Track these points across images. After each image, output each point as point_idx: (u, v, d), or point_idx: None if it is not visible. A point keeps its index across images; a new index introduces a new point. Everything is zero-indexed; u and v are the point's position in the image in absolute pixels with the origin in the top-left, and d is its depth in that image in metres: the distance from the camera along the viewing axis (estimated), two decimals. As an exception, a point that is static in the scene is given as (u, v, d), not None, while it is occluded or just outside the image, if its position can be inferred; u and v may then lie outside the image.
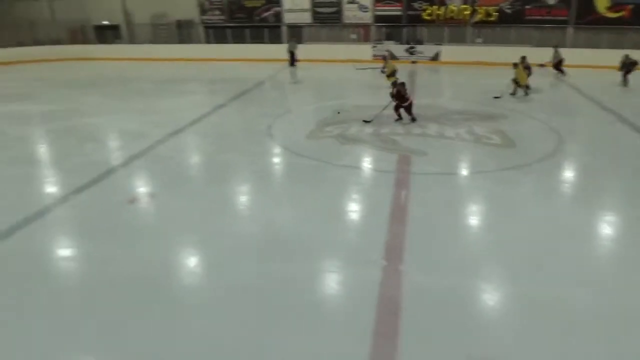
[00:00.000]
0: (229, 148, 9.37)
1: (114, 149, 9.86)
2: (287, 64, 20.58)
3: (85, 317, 4.39)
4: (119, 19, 24.54)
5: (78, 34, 25.38)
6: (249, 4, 22.99)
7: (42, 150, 10.12)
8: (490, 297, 4.59)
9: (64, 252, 5.80)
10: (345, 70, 18.29)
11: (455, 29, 21.95)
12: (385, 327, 4.06)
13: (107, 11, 24.52)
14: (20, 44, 23.76)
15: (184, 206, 6.75)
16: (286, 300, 4.51)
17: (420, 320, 4.15)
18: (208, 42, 23.66)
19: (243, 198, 7.29)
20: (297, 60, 20.44)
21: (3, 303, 4.61)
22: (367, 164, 8.44)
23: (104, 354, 3.90)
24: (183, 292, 4.78)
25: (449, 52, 21.68)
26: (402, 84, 10.79)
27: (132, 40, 24.70)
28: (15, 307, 4.55)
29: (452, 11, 21.52)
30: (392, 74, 14.73)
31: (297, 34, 22.72)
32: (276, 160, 8.97)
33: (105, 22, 24.82)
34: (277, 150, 9.36)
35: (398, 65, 15.92)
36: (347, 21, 22.52)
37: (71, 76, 19.53)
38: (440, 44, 22.04)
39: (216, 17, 23.54)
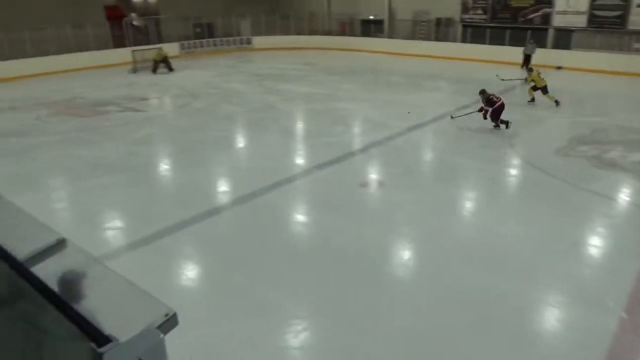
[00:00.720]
0: (464, 150, 9.15)
1: (357, 134, 10.69)
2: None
3: (307, 275, 4.97)
4: (383, 15, 26.19)
5: (346, 27, 28.09)
6: (515, 4, 21.62)
7: (300, 126, 11.67)
8: None
9: (300, 216, 6.64)
10: (615, 83, 15.74)
11: None
12: (609, 388, 3.46)
13: (375, 7, 26.35)
14: (299, 32, 27.64)
15: (409, 199, 6.92)
16: (499, 318, 4.25)
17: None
18: (464, 41, 23.31)
19: (468, 203, 7.06)
20: (529, 65, 18.64)
21: (249, 248, 5.57)
22: (624, 195, 7.15)
23: (319, 310, 4.37)
24: (395, 280, 4.96)
25: None
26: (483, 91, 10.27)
27: (391, 35, 26.07)
28: (256, 254, 5.45)
29: None
30: (541, 89, 12.35)
31: (566, 38, 20.48)
32: (513, 171, 8.37)
33: (371, 17, 26.77)
34: (516, 161, 8.71)
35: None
36: (632, 27, 19.18)
37: (333, 64, 21.77)
38: None
39: (477, 16, 22.95)
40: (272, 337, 4.07)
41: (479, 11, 22.91)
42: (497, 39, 22.02)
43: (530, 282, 4.77)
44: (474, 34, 22.95)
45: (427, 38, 24.60)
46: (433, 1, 24.08)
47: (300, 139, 10.45)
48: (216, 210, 6.57)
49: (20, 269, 1.00)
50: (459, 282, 4.80)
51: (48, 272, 0.99)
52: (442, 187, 7.36)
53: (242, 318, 4.28)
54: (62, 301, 0.87)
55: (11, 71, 18.04)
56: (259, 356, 3.84)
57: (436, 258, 5.28)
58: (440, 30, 24.25)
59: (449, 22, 23.94)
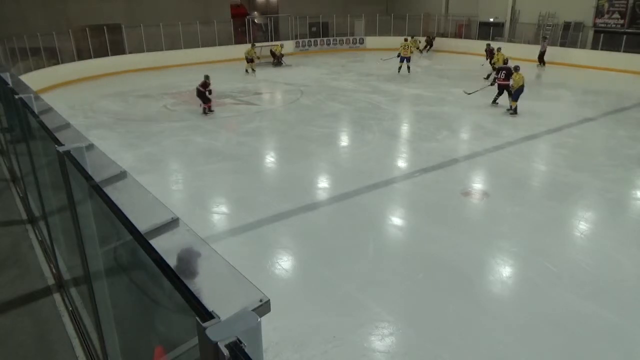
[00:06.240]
0: (582, 166, 8.40)
1: (464, 141, 10.28)
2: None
3: (396, 279, 4.92)
4: (505, 17, 24.79)
5: (462, 29, 26.99)
6: (661, 8, 19.31)
7: (404, 128, 11.51)
8: None
9: (396, 220, 6.56)
10: None
11: None
12: None
13: (497, 9, 25.03)
14: (413, 34, 27.04)
15: (514, 213, 6.53)
16: (602, 356, 3.87)
17: None
18: (595, 48, 21.25)
19: (582, 224, 6.39)
20: None
21: (342, 245, 5.65)
22: None
23: (406, 316, 4.31)
24: (488, 296, 4.73)
25: None
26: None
27: (511, 39, 24.59)
28: (348, 252, 5.50)
29: None
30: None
31: None
32: (640, 194, 7.51)
33: (491, 19, 25.46)
34: (647, 184, 7.81)
35: None
36: None
37: (445, 67, 21.09)
38: None
39: (613, 20, 20.82)
40: (357, 336, 4.09)
41: (616, 15, 20.78)
42: (634, 47, 19.80)
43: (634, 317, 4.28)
44: (608, 40, 20.81)
45: (551, 43, 22.85)
46: (562, 3, 22.31)
47: (403, 141, 10.31)
48: (314, 206, 6.74)
49: (141, 242, 1.13)
50: (559, 307, 4.44)
51: (161, 247, 1.09)
52: (554, 204, 6.83)
53: (329, 313, 4.36)
54: (175, 275, 0.96)
55: (145, 63, 20.03)
56: (343, 352, 3.89)
57: (536, 278, 4.93)
58: (567, 35, 22.38)
59: (578, 26, 22.01)
